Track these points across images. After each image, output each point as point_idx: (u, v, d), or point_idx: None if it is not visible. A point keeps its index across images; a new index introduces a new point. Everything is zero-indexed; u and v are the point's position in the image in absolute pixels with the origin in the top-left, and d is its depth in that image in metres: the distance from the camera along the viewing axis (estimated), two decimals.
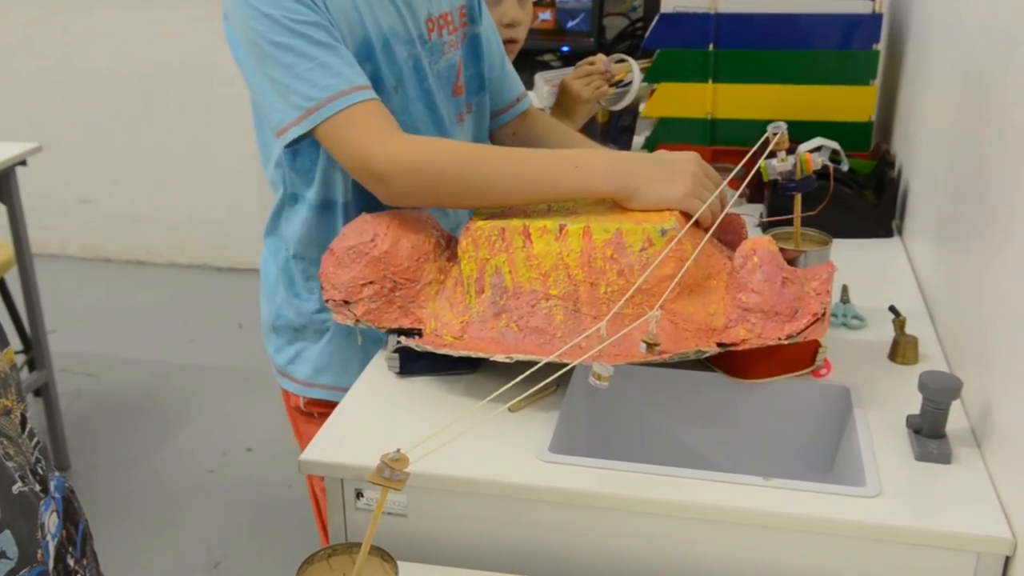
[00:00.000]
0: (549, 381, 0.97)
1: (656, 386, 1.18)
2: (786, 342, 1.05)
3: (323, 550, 0.83)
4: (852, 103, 1.75)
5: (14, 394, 0.77)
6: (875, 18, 1.71)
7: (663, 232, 1.05)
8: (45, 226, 3.84)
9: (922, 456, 0.99)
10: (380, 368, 1.20)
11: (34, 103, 3.87)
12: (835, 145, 1.63)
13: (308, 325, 1.35)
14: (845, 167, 1.65)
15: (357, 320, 1.13)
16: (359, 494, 1.03)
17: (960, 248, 1.22)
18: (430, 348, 1.10)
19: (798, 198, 1.28)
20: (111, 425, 2.90)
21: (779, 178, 1.26)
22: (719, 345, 1.06)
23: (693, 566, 0.97)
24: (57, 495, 0.80)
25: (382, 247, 1.13)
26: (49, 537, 0.76)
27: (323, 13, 1.16)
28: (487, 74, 1.41)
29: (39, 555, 0.73)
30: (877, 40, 1.72)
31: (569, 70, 2.05)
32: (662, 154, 1.15)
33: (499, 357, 1.06)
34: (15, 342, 2.65)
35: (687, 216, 1.10)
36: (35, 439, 0.79)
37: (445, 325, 1.13)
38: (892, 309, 1.22)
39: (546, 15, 2.84)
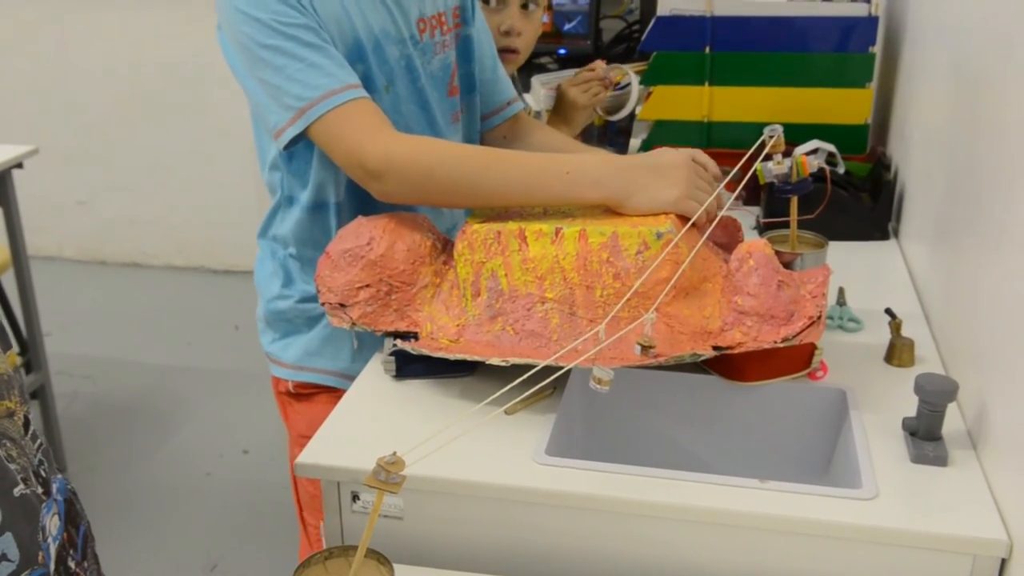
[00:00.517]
0: (545, 384, 0.97)
1: (652, 389, 1.18)
2: (782, 345, 1.05)
3: (319, 553, 0.83)
4: (848, 106, 1.75)
5: (17, 396, 0.78)
6: (871, 21, 1.71)
7: (659, 235, 1.05)
8: (42, 228, 3.84)
9: (918, 458, 0.99)
10: (376, 371, 1.20)
11: (31, 105, 3.86)
12: (831, 148, 1.63)
13: (300, 315, 1.36)
14: (841, 170, 1.65)
15: (353, 323, 1.13)
16: (355, 497, 1.03)
17: (956, 251, 1.22)
18: (426, 351, 1.10)
19: (794, 201, 1.28)
20: (108, 427, 2.89)
21: (775, 181, 1.26)
22: (715, 348, 1.06)
23: (689, 569, 0.97)
24: (59, 497, 0.80)
25: (378, 250, 1.13)
26: (50, 539, 0.76)
27: (311, 15, 1.17)
28: (478, 76, 1.42)
29: (40, 557, 0.73)
30: (873, 43, 1.72)
31: (567, 73, 2.05)
32: (655, 156, 1.15)
33: (495, 360, 1.06)
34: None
35: (683, 219, 1.10)
36: (38, 441, 0.80)
37: (441, 328, 1.13)
38: (888, 311, 1.22)
39: (543, 18, 2.84)
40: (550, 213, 1.16)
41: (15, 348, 2.54)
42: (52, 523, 0.77)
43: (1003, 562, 0.90)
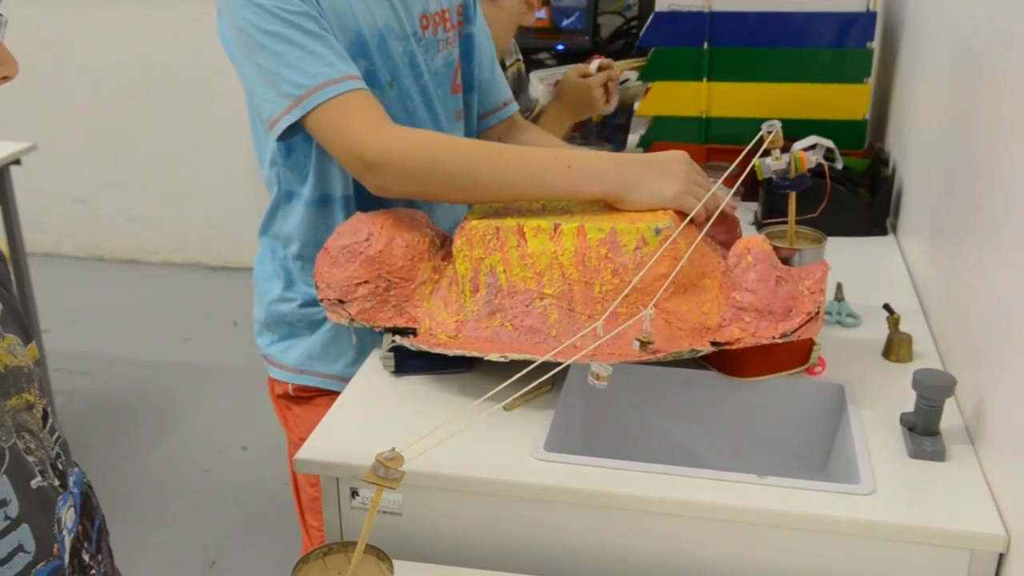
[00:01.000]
0: (544, 380, 0.97)
1: (650, 384, 1.18)
2: (780, 341, 1.05)
3: (318, 549, 0.83)
4: (846, 101, 1.75)
5: (36, 389, 0.78)
6: (869, 16, 1.71)
7: (657, 231, 1.06)
8: (39, 225, 3.83)
9: (916, 453, 1.00)
10: (375, 367, 1.20)
11: (28, 102, 3.85)
12: (829, 143, 1.63)
13: (302, 319, 1.36)
14: (839, 165, 1.65)
15: (352, 319, 1.13)
16: (354, 493, 1.03)
17: (954, 246, 1.22)
18: (425, 347, 1.10)
19: (792, 196, 1.28)
20: (106, 424, 2.89)
21: (773, 176, 1.26)
22: (713, 344, 1.06)
23: (688, 563, 0.97)
24: (75, 490, 0.80)
25: (376, 246, 1.13)
26: (65, 532, 0.76)
27: (313, 4, 1.16)
28: (477, 75, 1.42)
29: (55, 549, 0.74)
30: (871, 38, 1.72)
31: (564, 69, 2.05)
32: (650, 155, 1.15)
33: (494, 356, 1.06)
34: None
35: (681, 215, 1.10)
36: (56, 434, 0.80)
37: (440, 324, 1.13)
38: (886, 307, 1.22)
39: (541, 13, 2.84)
40: (548, 209, 1.15)
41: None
42: (68, 516, 0.77)
43: (1001, 557, 0.90)
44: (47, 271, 3.56)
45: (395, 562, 0.82)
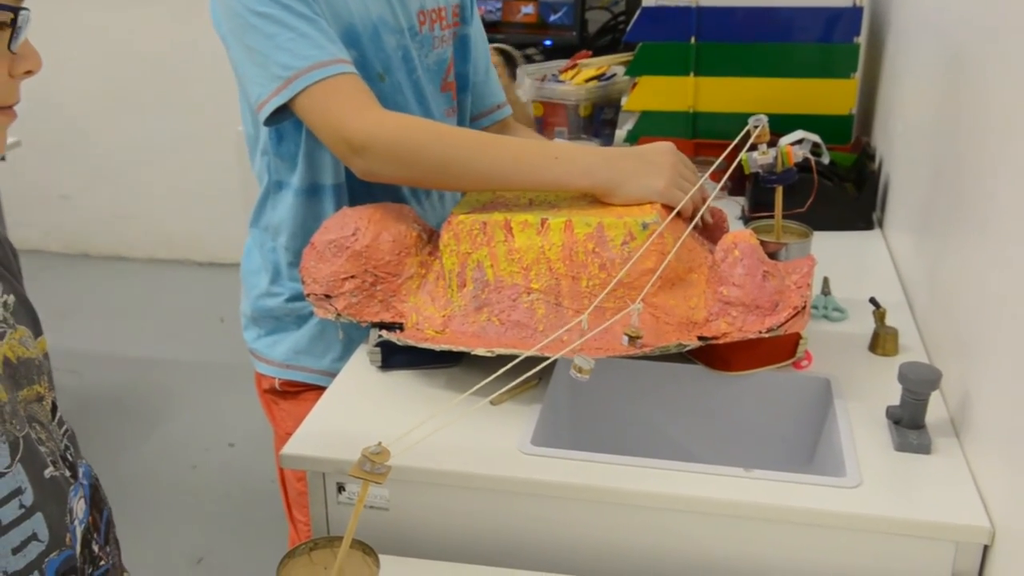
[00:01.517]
0: (531, 374, 0.97)
1: (638, 378, 1.18)
2: (767, 335, 1.06)
3: (304, 544, 0.83)
4: (833, 96, 1.75)
5: (46, 381, 0.79)
6: (856, 11, 1.71)
7: (645, 226, 1.06)
8: (25, 222, 3.81)
9: (902, 446, 1.00)
10: (362, 362, 1.19)
11: None
12: (816, 138, 1.63)
13: (289, 313, 1.35)
14: (826, 160, 1.66)
15: (338, 314, 1.13)
16: (341, 488, 1.03)
17: (940, 240, 1.23)
18: (412, 342, 1.10)
19: (779, 191, 1.28)
20: (93, 421, 2.88)
21: (760, 171, 1.26)
22: (700, 339, 1.06)
23: (674, 557, 0.97)
24: (85, 481, 0.80)
25: (363, 241, 1.13)
26: (76, 522, 0.77)
27: None
28: (471, 77, 1.42)
29: (68, 539, 0.74)
30: (858, 33, 1.73)
31: (553, 64, 2.05)
32: (638, 148, 1.15)
33: (481, 351, 1.06)
34: None
35: (668, 211, 1.10)
36: (64, 426, 0.80)
37: (427, 319, 1.12)
38: (872, 301, 1.22)
39: (528, 9, 2.84)
40: (536, 204, 1.15)
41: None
42: (79, 506, 0.78)
43: (985, 549, 0.91)
44: (33, 268, 3.53)
45: (382, 557, 0.82)
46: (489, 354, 1.05)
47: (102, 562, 0.81)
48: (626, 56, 1.92)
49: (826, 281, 1.32)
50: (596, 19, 2.90)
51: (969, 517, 0.91)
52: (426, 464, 0.98)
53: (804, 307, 1.06)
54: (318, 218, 1.26)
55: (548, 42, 2.83)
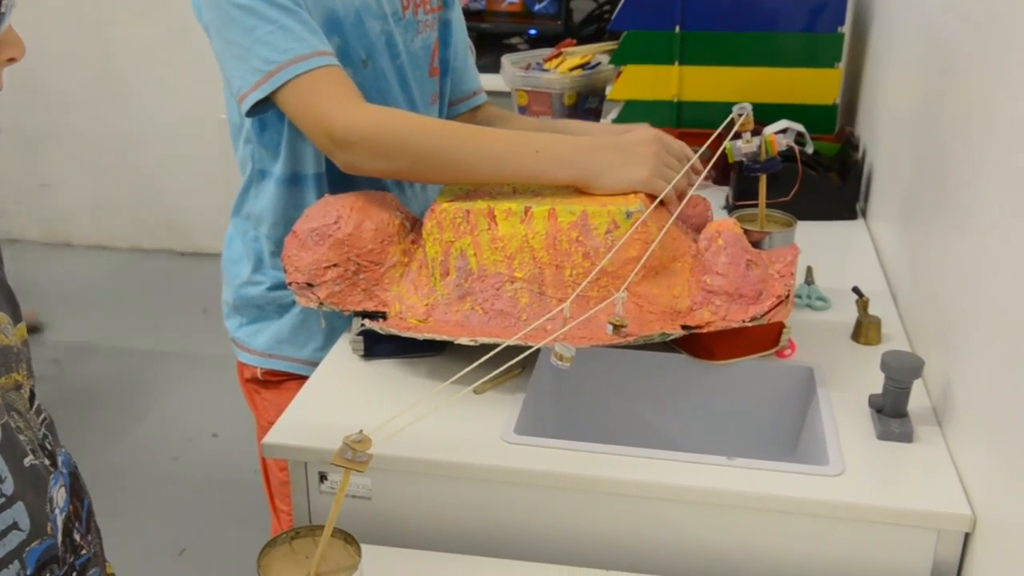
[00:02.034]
0: (514, 363, 0.96)
1: (622, 367, 1.18)
2: (750, 324, 1.06)
3: (286, 533, 0.83)
4: (817, 86, 1.75)
5: (25, 369, 0.78)
6: (840, 1, 1.71)
7: (629, 214, 1.05)
8: (5, 211, 3.78)
9: (884, 435, 1.00)
10: (344, 351, 1.19)
11: None
12: (800, 127, 1.63)
13: (271, 302, 1.34)
14: (810, 149, 1.66)
15: (321, 303, 1.12)
16: (323, 477, 1.02)
17: (923, 230, 1.23)
18: (395, 331, 1.09)
19: (763, 179, 1.28)
20: (75, 412, 2.86)
21: (744, 159, 1.26)
22: (684, 328, 1.06)
23: (657, 545, 0.97)
24: (65, 470, 0.80)
25: (346, 229, 1.12)
26: (57, 511, 0.76)
27: None
28: (452, 63, 1.41)
29: (49, 528, 0.74)
30: (842, 23, 1.73)
31: (537, 52, 2.04)
32: (621, 138, 1.15)
33: (464, 340, 1.05)
34: None
35: (652, 199, 1.10)
36: (42, 415, 0.80)
37: (410, 308, 1.12)
38: (855, 290, 1.22)
39: None
40: (519, 192, 1.15)
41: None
42: (59, 495, 0.77)
43: (967, 536, 0.91)
44: (13, 257, 3.49)
45: (364, 546, 0.82)
46: (472, 343, 1.05)
47: (83, 551, 0.80)
48: (611, 45, 1.91)
49: (809, 270, 1.32)
50: (581, 8, 2.90)
51: (951, 505, 0.91)
52: (408, 453, 0.97)
53: (787, 296, 1.06)
54: (300, 207, 1.26)
55: (533, 31, 2.82)
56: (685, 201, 1.16)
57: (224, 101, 1.30)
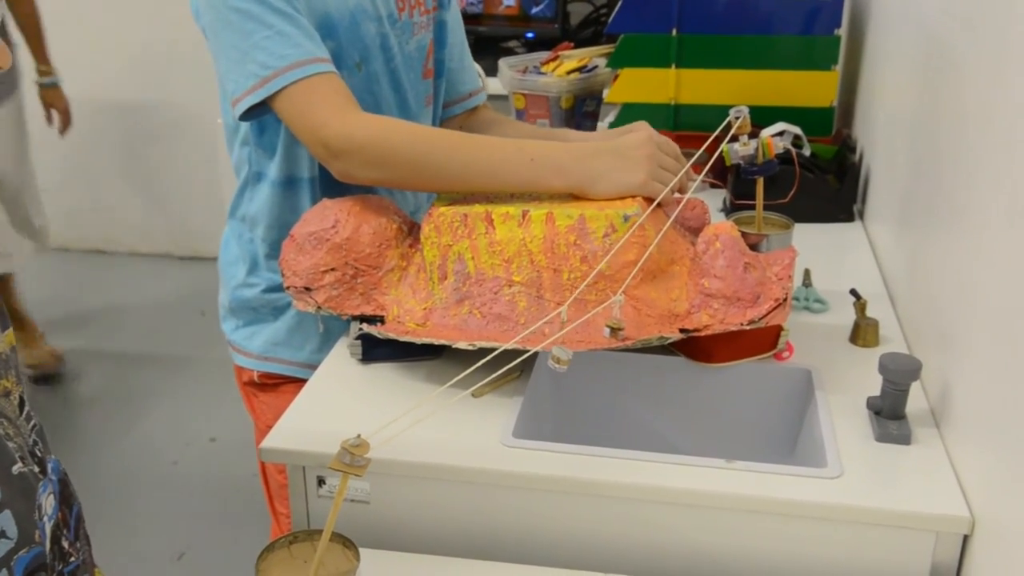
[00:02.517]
0: (512, 366, 0.97)
1: (620, 370, 1.18)
2: (748, 327, 1.06)
3: (284, 537, 0.82)
4: (814, 88, 1.75)
5: (13, 376, 0.78)
6: (836, 3, 1.71)
7: (626, 218, 1.05)
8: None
9: (882, 437, 1.00)
10: (342, 355, 1.19)
11: None
12: (797, 130, 1.64)
13: (266, 304, 1.34)
14: (807, 152, 1.66)
15: (318, 307, 1.12)
16: (321, 481, 1.02)
17: (920, 232, 1.23)
18: (393, 335, 1.09)
19: (760, 182, 1.28)
20: (73, 416, 2.86)
21: (741, 162, 1.26)
22: (682, 331, 1.06)
23: (656, 548, 0.97)
24: (54, 477, 0.80)
25: (343, 233, 1.12)
26: (46, 519, 0.76)
27: None
28: (447, 63, 1.41)
29: (37, 536, 0.73)
30: (839, 25, 1.73)
31: (535, 56, 2.04)
32: (616, 142, 1.15)
33: (462, 344, 1.05)
34: None
35: (650, 202, 1.10)
36: (32, 421, 0.79)
37: (408, 312, 1.12)
38: (853, 292, 1.23)
39: (510, 1, 2.83)
40: (517, 196, 1.15)
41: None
42: (48, 502, 0.77)
43: (965, 539, 0.91)
44: None
45: (362, 550, 0.82)
46: (470, 347, 1.05)
47: (72, 558, 0.80)
48: (608, 48, 1.91)
49: (807, 273, 1.32)
50: (578, 11, 2.90)
51: (949, 507, 0.91)
52: (406, 457, 0.97)
53: (785, 299, 1.06)
54: (295, 210, 1.26)
55: (530, 34, 2.82)
56: (682, 205, 1.16)
57: (220, 104, 1.30)
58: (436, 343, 1.08)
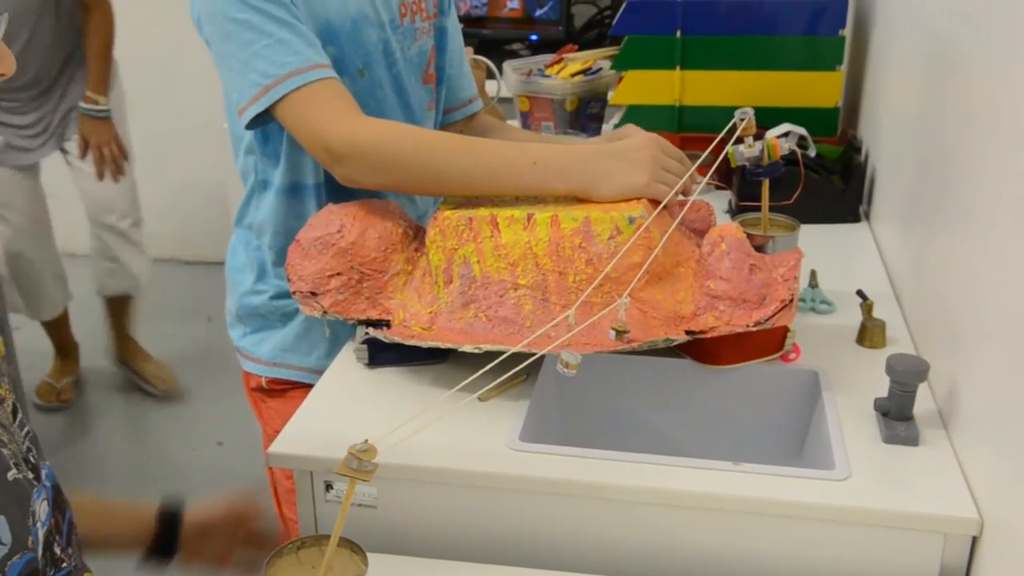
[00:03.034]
0: (518, 370, 0.97)
1: (626, 373, 1.18)
2: (754, 329, 1.05)
3: (292, 543, 0.83)
4: (819, 89, 1.75)
5: (6, 383, 0.78)
6: (841, 4, 1.71)
7: (631, 220, 1.05)
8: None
9: (890, 438, 1.00)
10: (348, 359, 1.19)
11: None
12: (802, 131, 1.63)
13: (274, 311, 1.35)
14: (812, 153, 1.65)
15: (324, 312, 1.13)
16: (328, 486, 1.02)
17: (926, 232, 1.23)
18: (399, 339, 1.09)
19: (766, 184, 1.28)
20: (79, 422, 2.86)
21: (747, 164, 1.26)
22: (688, 333, 1.06)
23: (664, 551, 0.97)
24: (47, 483, 0.80)
25: (349, 238, 1.12)
26: (39, 525, 0.76)
27: None
28: (447, 70, 1.41)
29: (30, 542, 0.74)
30: (843, 26, 1.73)
31: (539, 59, 2.05)
32: (618, 144, 1.15)
33: (468, 348, 1.05)
34: None
35: (655, 205, 1.10)
36: (26, 428, 0.80)
37: (414, 316, 1.12)
38: (860, 293, 1.22)
39: (514, 3, 2.84)
40: (522, 199, 1.15)
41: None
42: (41, 508, 0.77)
43: (974, 540, 0.91)
44: None
45: (370, 555, 0.82)
46: (476, 351, 1.05)
47: (64, 564, 0.80)
48: (612, 50, 1.91)
49: (813, 274, 1.32)
50: (582, 14, 2.90)
51: (957, 509, 0.91)
52: (414, 461, 0.97)
53: (791, 300, 1.05)
54: (300, 217, 1.26)
55: (534, 37, 2.83)
56: (687, 206, 1.16)
57: (225, 113, 1.31)
58: (442, 347, 1.08)
